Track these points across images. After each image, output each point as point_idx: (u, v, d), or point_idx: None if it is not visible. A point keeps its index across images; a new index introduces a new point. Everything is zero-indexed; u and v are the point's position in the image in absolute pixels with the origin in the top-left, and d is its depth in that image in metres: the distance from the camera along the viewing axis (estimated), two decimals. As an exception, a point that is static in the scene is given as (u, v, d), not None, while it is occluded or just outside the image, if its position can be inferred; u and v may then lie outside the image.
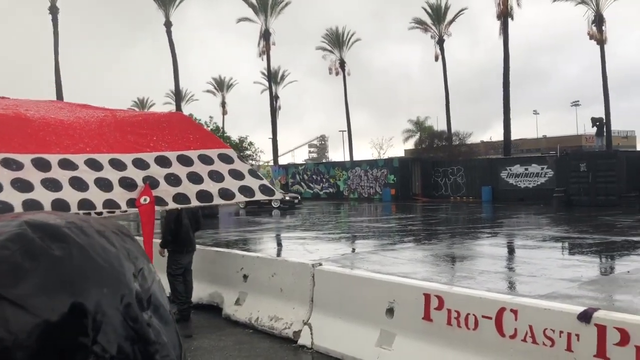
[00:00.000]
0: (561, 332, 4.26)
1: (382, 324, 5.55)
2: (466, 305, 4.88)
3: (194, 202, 3.68)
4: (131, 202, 3.64)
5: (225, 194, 3.63)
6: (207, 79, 78.73)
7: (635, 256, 12.52)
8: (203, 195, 3.69)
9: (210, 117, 50.09)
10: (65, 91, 45.95)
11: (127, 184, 3.71)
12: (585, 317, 4.16)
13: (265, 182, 3.72)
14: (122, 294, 0.76)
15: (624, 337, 3.94)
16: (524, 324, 4.46)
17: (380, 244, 16.15)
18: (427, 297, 5.18)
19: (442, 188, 37.38)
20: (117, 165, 3.75)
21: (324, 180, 43.77)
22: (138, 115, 4.58)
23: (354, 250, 15.28)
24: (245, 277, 7.44)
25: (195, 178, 3.69)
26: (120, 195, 3.62)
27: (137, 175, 3.74)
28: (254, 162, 47.98)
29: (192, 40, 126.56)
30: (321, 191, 43.89)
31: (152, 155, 3.83)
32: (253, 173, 3.94)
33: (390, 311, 5.49)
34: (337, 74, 54.67)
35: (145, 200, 3.63)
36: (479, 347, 4.74)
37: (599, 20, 37.86)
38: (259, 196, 3.66)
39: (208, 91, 70.90)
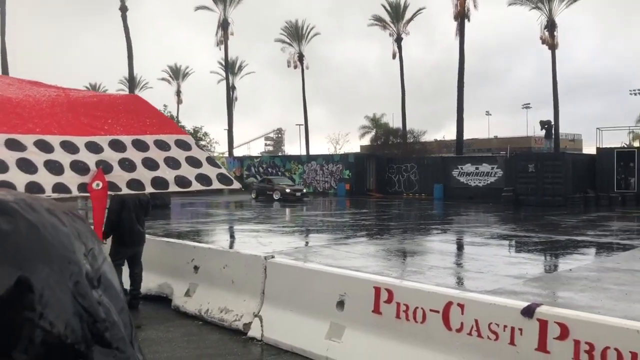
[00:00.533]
0: (505, 326, 4.38)
1: (332, 316, 5.58)
2: (415, 299, 4.97)
3: (149, 189, 3.54)
4: (83, 187, 3.47)
5: (182, 181, 3.51)
6: (162, 66, 77.17)
7: (577, 255, 13.01)
8: (158, 182, 3.55)
9: (165, 105, 49.20)
10: (13, 74, 44.23)
11: (79, 167, 3.53)
12: (528, 312, 4.29)
13: (224, 170, 3.62)
14: (71, 272, 0.74)
15: (564, 332, 4.08)
16: (470, 318, 4.57)
17: (334, 238, 16.24)
18: (377, 290, 5.24)
19: (396, 184, 37.87)
20: (69, 147, 3.56)
21: (280, 173, 43.66)
22: (93, 96, 4.29)
23: (307, 243, 15.31)
24: (196, 268, 7.35)
25: (150, 164, 3.54)
26: (71, 179, 3.45)
27: (89, 159, 3.58)
28: (208, 153, 47.32)
29: (148, 26, 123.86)
30: (276, 184, 43.72)
31: (107, 139, 3.66)
32: (211, 161, 3.83)
33: (340, 304, 5.53)
34: (295, 67, 54.55)
35: (97, 185, 3.48)
36: (427, 340, 4.83)
37: (551, 26, 38.99)
38: (216, 185, 3.57)
39: (163, 79, 69.64)
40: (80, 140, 3.62)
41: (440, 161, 37.11)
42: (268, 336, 6.08)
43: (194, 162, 3.66)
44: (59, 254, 0.74)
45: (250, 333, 6.24)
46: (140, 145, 3.66)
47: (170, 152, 3.68)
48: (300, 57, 54.20)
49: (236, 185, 3.56)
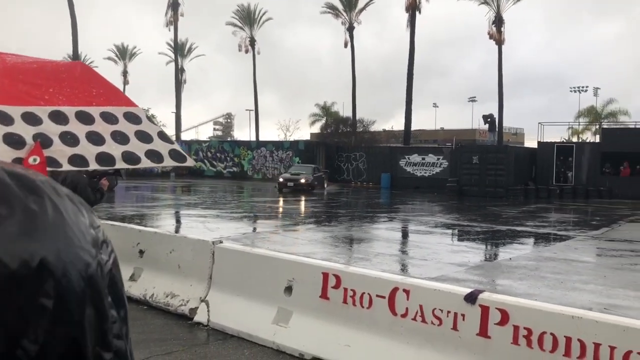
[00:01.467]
0: (449, 312, 4.51)
1: (280, 302, 5.60)
2: (362, 285, 5.04)
3: (93, 165, 3.22)
4: (18, 162, 3.10)
5: (130, 157, 3.21)
6: (109, 45, 74.62)
7: (517, 244, 13.49)
8: (104, 159, 3.22)
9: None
10: (-54, 45, 41.83)
11: (14, 140, 3.18)
12: (471, 298, 4.42)
13: (177, 147, 3.36)
14: (87, 263, 0.71)
15: (504, 317, 4.24)
16: (415, 303, 4.68)
17: (282, 224, 16.25)
18: (325, 276, 5.28)
19: (345, 173, 38.18)
20: (3, 118, 3.22)
21: (228, 159, 43.23)
22: (34, 62, 3.77)
23: (255, 229, 15.26)
24: (141, 252, 7.21)
25: (95, 138, 3.22)
26: (4, 153, 3.12)
27: (26, 131, 3.23)
28: (160, 128, 46.22)
29: (94, 2, 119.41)
30: (224, 170, 43.33)
31: (47, 110, 3.31)
32: (163, 136, 3.47)
33: (288, 289, 5.55)
34: (246, 51, 53.95)
35: (34, 160, 3.15)
36: (372, 325, 4.91)
37: (498, 21, 39.99)
38: (168, 162, 3.28)
39: (109, 58, 67.36)
40: (16, 111, 3.28)
41: (388, 151, 37.62)
42: (214, 321, 6.05)
43: (144, 137, 3.33)
44: (79, 244, 0.71)
45: (197, 318, 6.18)
46: (85, 118, 3.31)
47: (118, 126, 3.34)
48: (252, 41, 53.62)
49: (190, 162, 3.31)
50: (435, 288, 4.72)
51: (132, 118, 3.40)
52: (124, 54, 67.27)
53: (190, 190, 30.03)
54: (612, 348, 3.78)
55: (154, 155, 3.23)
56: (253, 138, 52.00)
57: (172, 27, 52.84)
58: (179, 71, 55.29)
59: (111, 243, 0.82)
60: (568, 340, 3.95)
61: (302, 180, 28.64)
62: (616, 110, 47.14)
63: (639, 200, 26.94)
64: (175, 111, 54.24)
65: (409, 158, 35.17)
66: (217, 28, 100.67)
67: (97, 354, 0.67)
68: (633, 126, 34.90)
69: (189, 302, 6.36)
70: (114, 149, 3.21)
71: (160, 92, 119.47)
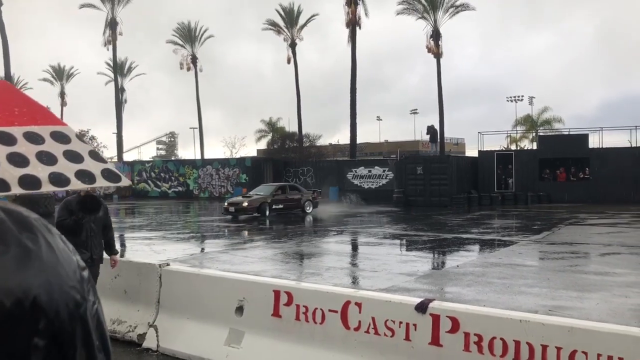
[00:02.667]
0: (400, 322, 4.54)
1: (231, 322, 5.50)
2: (314, 300, 5.01)
3: (16, 189, 2.99)
4: None
5: (58, 179, 2.98)
6: (44, 66, 72.21)
7: (463, 252, 13.78)
8: (28, 182, 2.99)
9: (47, 107, 46.13)
10: None
11: None
12: (421, 307, 4.47)
13: (110, 166, 3.19)
14: (78, 303, 0.67)
15: (455, 325, 4.30)
16: (367, 316, 4.69)
17: (230, 243, 16.03)
18: (276, 293, 5.22)
19: (292, 188, 38.15)
20: None
21: (173, 178, 42.44)
22: None
23: (203, 250, 14.99)
24: (84, 279, 6.94)
25: (18, 160, 2.98)
26: None
27: None
28: (92, 147, 44.87)
29: (27, 23, 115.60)
30: (169, 190, 42.51)
31: None
32: (95, 155, 3.26)
33: (239, 309, 5.46)
34: (188, 69, 53.38)
35: None
36: (325, 340, 4.89)
37: (436, 35, 41.11)
38: (100, 182, 3.08)
39: (45, 80, 65.17)
40: None
41: (335, 165, 37.88)
42: (164, 346, 5.87)
43: (73, 157, 3.11)
44: (71, 283, 0.68)
45: (145, 344, 5.99)
46: (6, 139, 3.08)
47: (44, 146, 3.11)
48: (194, 59, 53.13)
49: (125, 182, 3.14)
50: (386, 299, 4.75)
51: (61, 137, 3.18)
52: (60, 74, 65.24)
53: (135, 212, 29.28)
54: (559, 349, 3.89)
55: (85, 176, 3.03)
56: (198, 156, 51.33)
57: (110, 47, 51.73)
58: (119, 91, 54.08)
59: (92, 281, 0.78)
60: (517, 343, 4.04)
61: (245, 204, 24.05)
62: (551, 117, 49.23)
63: (575, 203, 28.09)
64: (116, 132, 52.94)
65: (355, 171, 35.53)
66: (158, 46, 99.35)
67: None
68: (567, 132, 36.45)
69: (137, 327, 6.16)
70: (40, 171, 2.99)
71: (101, 112, 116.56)
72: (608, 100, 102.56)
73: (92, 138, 46.25)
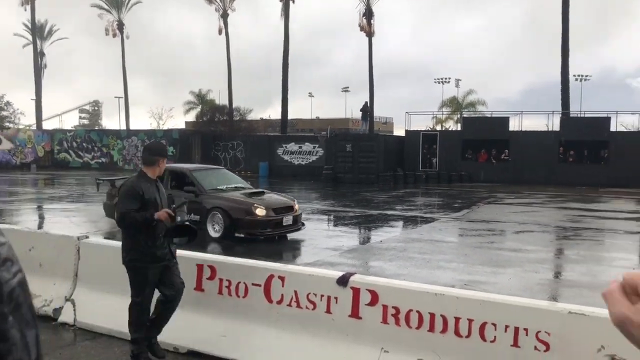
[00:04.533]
0: (322, 295, 4.63)
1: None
2: (238, 274, 5.02)
3: None
4: None
5: None
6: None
7: (387, 227, 14.15)
8: None
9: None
10: None
11: None
12: (342, 281, 4.57)
13: None
14: None
15: (374, 298, 4.43)
16: (290, 289, 4.75)
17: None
18: (199, 267, 5.19)
19: (222, 162, 37.62)
20: None
21: (96, 149, 40.89)
22: None
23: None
24: (-4, 251, 6.61)
25: None
26: None
27: None
28: (12, 125, 42.52)
29: None
30: (92, 161, 40.94)
31: None
32: None
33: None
34: (114, 36, 51.08)
35: None
36: (248, 313, 4.92)
37: (368, 14, 41.34)
38: None
39: (-46, 40, 60.55)
40: None
41: (266, 140, 37.66)
42: (82, 320, 5.72)
43: None
44: None
45: (62, 318, 5.81)
46: None
47: None
48: (120, 25, 50.87)
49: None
50: (309, 273, 4.82)
51: None
52: (-28, 34, 60.79)
53: (54, 183, 28.03)
54: (470, 320, 4.10)
55: None
56: (123, 127, 49.57)
57: (28, 7, 48.67)
58: (39, 55, 51.13)
59: (18, 262, 0.73)
60: (432, 316, 4.22)
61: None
62: (475, 100, 50.84)
63: (495, 183, 29.37)
64: (35, 98, 50.17)
65: (286, 147, 35.49)
66: (82, 10, 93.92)
67: None
68: (489, 115, 37.86)
69: (53, 301, 5.96)
70: None
71: (18, 77, 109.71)
72: (531, 84, 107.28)
73: (8, 103, 43.56)
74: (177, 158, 37.32)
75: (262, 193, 12.04)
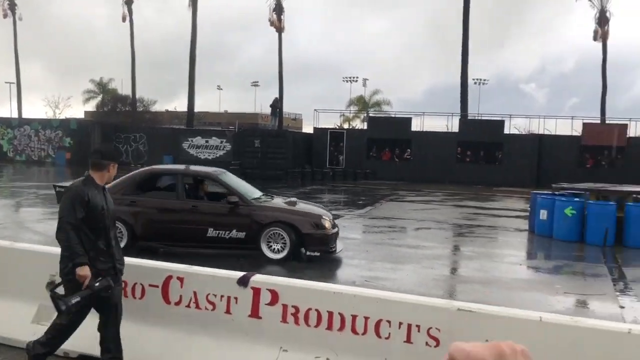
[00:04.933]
0: (222, 296, 4.59)
1: (42, 298, 5.11)
2: (135, 275, 4.85)
3: None
4: None
5: None
6: None
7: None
8: None
9: None
10: None
11: None
12: (243, 281, 4.55)
13: None
14: None
15: (274, 298, 4.45)
16: (189, 290, 4.66)
17: (52, 211, 14.83)
18: (93, 268, 4.96)
19: (124, 155, 36.21)
20: None
21: (-17, 137, 37.96)
22: None
23: (18, 218, 13.70)
24: None
25: None
26: None
27: None
28: None
29: None
30: (-22, 150, 37.99)
31: None
32: None
33: (51, 284, 5.09)
34: (5, 16, 47.57)
35: None
36: (145, 315, 4.78)
37: (279, 9, 41.28)
38: None
39: None
40: None
41: (170, 133, 36.66)
42: (-40, 326, 5.29)
43: None
44: None
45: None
46: None
47: None
48: (12, 5, 47.46)
49: None
50: (209, 274, 4.76)
51: None
52: None
53: None
54: (367, 318, 4.22)
55: None
56: (15, 115, 46.34)
57: None
58: None
59: None
60: (330, 314, 4.30)
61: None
62: (381, 100, 52.26)
63: (397, 181, 30.38)
64: None
65: (192, 140, 34.73)
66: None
67: None
68: (394, 115, 39.10)
69: None
70: None
71: None
72: (433, 86, 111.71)
73: None
74: (76, 150, 35.49)
75: (296, 203, 10.26)
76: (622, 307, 7.49)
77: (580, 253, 11.61)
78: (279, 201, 10.26)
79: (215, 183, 9.96)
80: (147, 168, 10.58)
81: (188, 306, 4.65)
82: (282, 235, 9.33)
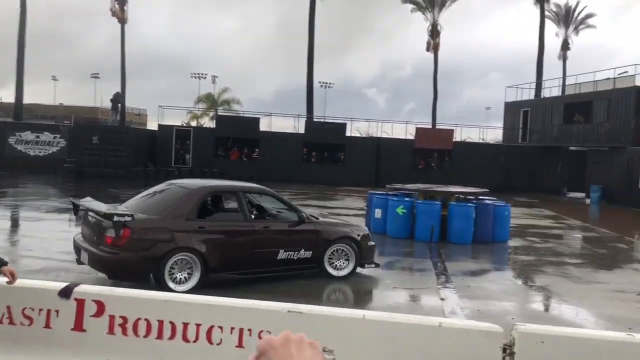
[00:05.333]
0: (41, 309, 4.26)
1: None
2: None
3: None
4: None
5: None
6: None
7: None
8: None
9: None
10: None
11: None
12: (65, 292, 4.27)
13: None
14: None
15: (100, 309, 4.23)
16: (2, 305, 4.27)
17: None
18: None
19: None
20: None
21: None
22: None
23: None
24: None
25: None
26: None
27: None
28: None
29: None
30: None
31: None
32: None
33: None
34: None
35: None
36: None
37: (121, 1, 39.21)
38: None
39: None
40: None
41: (-5, 126, 33.13)
42: None
43: None
44: None
45: None
46: None
47: None
48: None
49: None
50: (24, 286, 4.39)
51: None
52: None
53: None
54: (198, 325, 4.18)
55: None
56: None
57: None
58: None
59: None
60: (160, 323, 4.20)
61: None
62: (230, 98, 51.87)
63: (245, 180, 30.39)
64: None
65: (20, 135, 31.68)
66: None
67: None
68: (242, 114, 39.09)
69: None
70: None
71: None
72: (282, 87, 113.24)
73: None
74: None
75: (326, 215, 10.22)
76: (442, 299, 8.23)
77: (410, 249, 12.54)
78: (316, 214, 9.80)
79: (272, 199, 9.31)
80: (200, 186, 8.77)
81: (1, 322, 4.25)
82: (345, 250, 9.00)
